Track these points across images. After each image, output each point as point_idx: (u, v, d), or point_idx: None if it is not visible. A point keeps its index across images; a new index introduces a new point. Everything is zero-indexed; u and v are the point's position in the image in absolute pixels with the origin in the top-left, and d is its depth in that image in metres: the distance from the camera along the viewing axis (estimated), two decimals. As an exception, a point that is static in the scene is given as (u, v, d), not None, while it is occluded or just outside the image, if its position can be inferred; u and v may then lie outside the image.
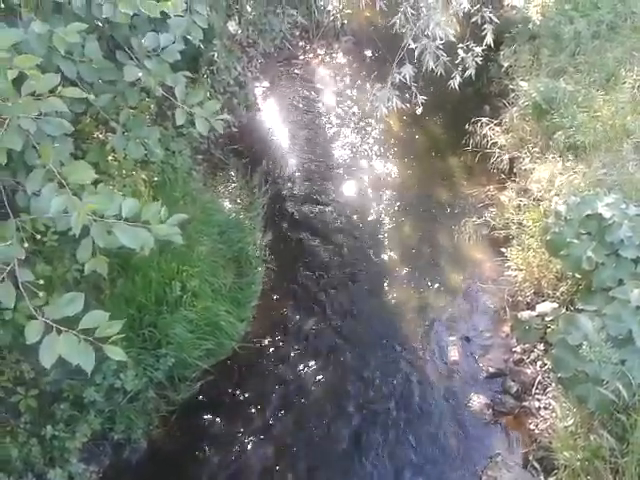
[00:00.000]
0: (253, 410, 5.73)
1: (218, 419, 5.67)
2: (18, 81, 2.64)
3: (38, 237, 3.23)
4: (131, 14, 2.99)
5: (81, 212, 2.54)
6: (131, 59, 3.37)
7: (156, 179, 6.24)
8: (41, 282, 2.77)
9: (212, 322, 5.93)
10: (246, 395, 5.87)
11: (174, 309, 5.75)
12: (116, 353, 2.46)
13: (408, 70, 4.93)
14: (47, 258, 4.91)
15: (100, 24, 3.49)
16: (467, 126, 8.18)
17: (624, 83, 7.36)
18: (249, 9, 7.60)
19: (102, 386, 4.94)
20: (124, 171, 5.61)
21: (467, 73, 5.21)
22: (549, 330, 5.74)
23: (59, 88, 2.68)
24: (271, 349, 6.27)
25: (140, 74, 3.24)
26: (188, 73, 3.61)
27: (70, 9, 3.27)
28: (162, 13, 3.14)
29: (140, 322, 5.57)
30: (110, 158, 5.40)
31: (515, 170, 7.71)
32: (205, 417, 5.66)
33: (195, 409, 5.67)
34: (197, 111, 3.37)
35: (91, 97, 3.28)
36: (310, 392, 5.94)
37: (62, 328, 2.40)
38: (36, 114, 2.64)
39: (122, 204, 2.69)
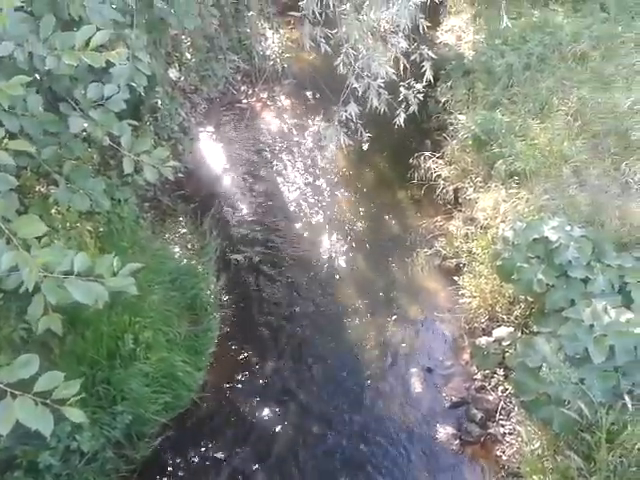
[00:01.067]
0: (215, 462, 5.54)
1: (180, 475, 5.44)
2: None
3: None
4: (75, 65, 2.93)
5: (33, 268, 2.44)
6: (74, 110, 3.30)
7: (102, 230, 6.09)
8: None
9: (168, 374, 5.75)
10: (208, 447, 5.68)
11: (128, 363, 5.55)
12: (75, 415, 2.34)
13: (353, 108, 5.03)
14: (-9, 317, 4.69)
15: (38, 76, 3.42)
16: (411, 160, 8.37)
17: (557, 111, 7.71)
18: (189, 56, 7.65)
19: (57, 449, 4.70)
20: (68, 224, 5.47)
21: (410, 109, 5.35)
22: (507, 354, 5.84)
23: (4, 141, 2.59)
24: (231, 397, 6.12)
25: (86, 125, 3.17)
26: (133, 121, 3.57)
27: (9, 62, 3.21)
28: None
29: (93, 379, 5.34)
30: (53, 211, 5.27)
31: (460, 200, 7.89)
32: (166, 474, 5.43)
33: (156, 467, 5.44)
34: (145, 159, 3.31)
35: (31, 150, 3.19)
36: (274, 438, 5.80)
37: (17, 392, 2.27)
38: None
39: (74, 259, 2.60)
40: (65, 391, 2.34)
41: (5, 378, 2.33)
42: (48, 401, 2.30)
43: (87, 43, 3.01)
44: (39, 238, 2.73)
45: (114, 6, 3.64)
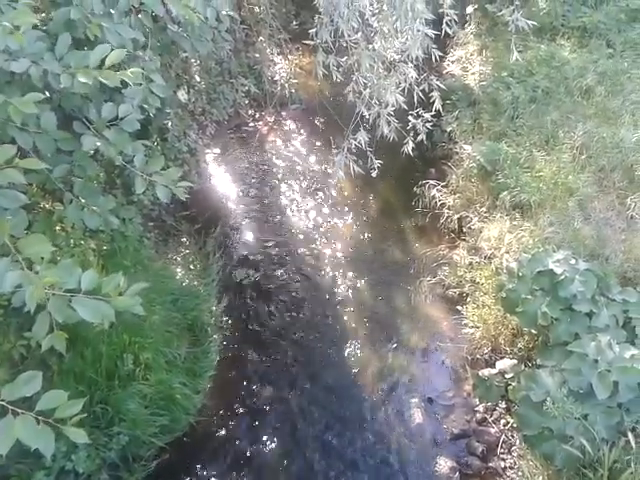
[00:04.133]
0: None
1: (175, 500, 5.36)
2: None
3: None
4: (90, 84, 2.95)
5: (37, 287, 2.42)
6: (88, 129, 3.32)
7: (105, 248, 6.07)
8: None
9: (167, 396, 5.67)
10: (204, 473, 5.59)
11: (127, 384, 5.48)
12: (78, 436, 2.30)
13: (363, 136, 5.06)
14: (-10, 333, 4.66)
15: (48, 94, 3.44)
16: (415, 188, 8.39)
17: (563, 144, 7.75)
18: (198, 79, 7.72)
19: (53, 469, 4.63)
20: (72, 241, 5.46)
21: (419, 138, 5.39)
22: (510, 387, 5.77)
23: (16, 159, 2.59)
24: (228, 422, 6.03)
25: (98, 144, 3.18)
26: (146, 142, 3.59)
27: (23, 80, 3.24)
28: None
29: (91, 399, 5.26)
30: (57, 228, 5.26)
31: (464, 229, 7.88)
32: (162, 499, 5.34)
33: (151, 491, 5.34)
34: (157, 179, 3.32)
35: (42, 168, 3.19)
36: (270, 466, 5.70)
37: (18, 410, 2.24)
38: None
39: (81, 277, 2.59)
40: (68, 411, 2.31)
41: (7, 395, 2.29)
42: (50, 420, 2.27)
43: (102, 62, 3.04)
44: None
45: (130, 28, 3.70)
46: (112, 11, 3.63)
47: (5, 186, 2.73)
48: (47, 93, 3.41)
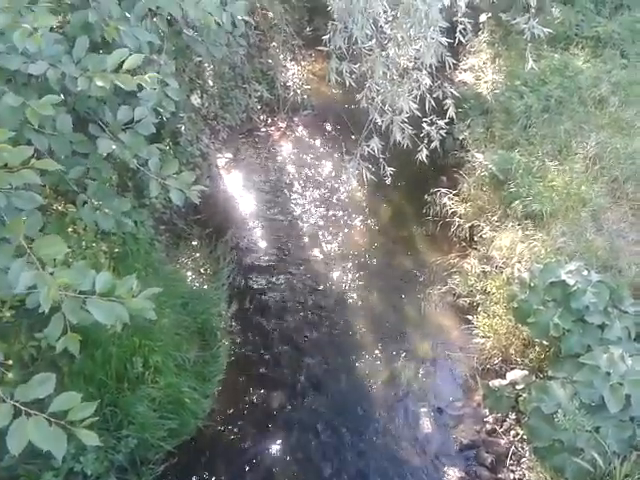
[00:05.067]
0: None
1: (182, 505, 5.34)
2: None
3: None
4: (107, 88, 2.96)
5: (52, 288, 2.42)
6: (103, 132, 3.33)
7: (117, 250, 6.08)
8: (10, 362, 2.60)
9: (175, 399, 5.67)
10: (212, 478, 5.57)
11: (136, 386, 5.49)
12: (90, 438, 2.29)
13: (376, 143, 5.05)
14: (2, 334, 4.67)
15: (62, 96, 3.46)
16: (426, 196, 8.36)
17: (576, 154, 7.71)
18: (211, 83, 7.74)
19: (61, 470, 4.63)
20: (84, 243, 5.47)
21: (432, 145, 5.37)
22: (520, 399, 5.72)
23: (32, 160, 2.60)
24: (237, 427, 6.02)
25: (114, 147, 3.19)
26: (160, 145, 3.59)
27: (39, 82, 3.25)
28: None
29: (100, 401, 5.25)
30: (70, 230, 5.27)
31: (476, 238, 7.84)
32: (168, 503, 5.33)
33: (158, 495, 5.34)
34: (171, 182, 3.32)
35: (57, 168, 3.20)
36: (277, 472, 5.68)
37: (31, 411, 2.23)
38: (7, 187, 2.54)
39: (96, 279, 2.59)
40: (80, 413, 2.31)
41: (20, 396, 2.29)
42: (62, 422, 2.26)
43: (119, 66, 3.05)
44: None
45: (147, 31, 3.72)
46: (128, 14, 3.65)
47: (21, 187, 2.74)
48: (62, 95, 3.43)
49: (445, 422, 6.08)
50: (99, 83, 2.95)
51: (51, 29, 3.24)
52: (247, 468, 5.67)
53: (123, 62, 3.00)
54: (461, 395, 6.33)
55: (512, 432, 5.83)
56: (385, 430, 6.04)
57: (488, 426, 5.96)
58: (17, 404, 2.24)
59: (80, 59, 3.19)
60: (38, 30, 2.94)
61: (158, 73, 3.65)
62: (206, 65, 7.28)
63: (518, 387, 5.80)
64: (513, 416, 5.89)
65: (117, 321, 2.59)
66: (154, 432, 5.37)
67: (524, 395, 5.63)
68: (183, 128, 6.24)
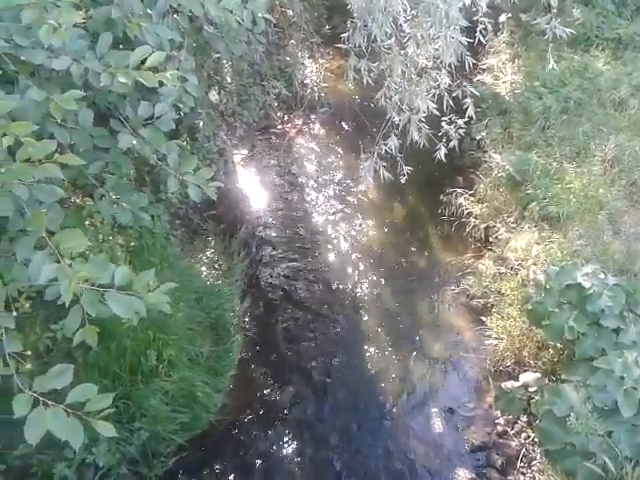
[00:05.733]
0: (229, 488, 5.49)
1: (193, 498, 5.39)
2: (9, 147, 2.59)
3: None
4: (129, 84, 2.98)
5: (73, 280, 2.46)
6: (124, 127, 3.36)
7: (133, 244, 6.13)
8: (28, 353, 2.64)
9: (188, 393, 5.71)
10: (222, 472, 5.62)
11: (149, 380, 5.54)
12: (106, 429, 2.33)
13: (394, 142, 5.05)
14: (18, 325, 4.72)
15: (83, 91, 3.50)
16: (442, 196, 8.33)
17: (594, 156, 7.65)
18: (229, 80, 7.77)
19: (74, 461, 4.69)
20: (101, 237, 5.52)
21: (450, 144, 5.36)
22: (533, 401, 5.70)
23: (55, 155, 2.63)
24: (248, 422, 6.06)
25: (134, 142, 3.22)
26: (179, 141, 3.62)
27: (60, 76, 3.28)
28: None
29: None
30: (87, 223, 5.32)
31: (491, 239, 7.80)
32: (179, 496, 5.38)
33: (169, 487, 5.39)
34: (189, 178, 3.35)
35: (79, 162, 3.23)
36: (287, 469, 5.73)
37: (49, 402, 2.27)
38: (30, 181, 2.58)
39: (115, 272, 2.62)
40: (97, 404, 2.34)
41: (39, 387, 2.33)
42: (80, 413, 2.30)
43: (142, 62, 3.07)
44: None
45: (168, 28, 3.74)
46: (150, 11, 3.67)
47: (42, 180, 2.77)
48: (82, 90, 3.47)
49: (456, 423, 6.08)
50: (122, 79, 2.98)
51: (74, 25, 3.27)
52: (257, 463, 5.71)
53: (145, 59, 3.03)
54: (473, 396, 6.32)
55: (523, 434, 5.81)
56: (396, 429, 6.05)
57: (499, 428, 5.95)
58: (35, 394, 2.28)
59: (103, 55, 3.22)
60: (62, 25, 2.97)
61: (178, 69, 3.68)
62: (224, 62, 7.31)
63: (531, 389, 5.78)
64: (525, 418, 5.88)
65: (134, 315, 2.62)
66: (166, 425, 5.42)
67: (536, 398, 5.61)
68: (201, 124, 6.27)
